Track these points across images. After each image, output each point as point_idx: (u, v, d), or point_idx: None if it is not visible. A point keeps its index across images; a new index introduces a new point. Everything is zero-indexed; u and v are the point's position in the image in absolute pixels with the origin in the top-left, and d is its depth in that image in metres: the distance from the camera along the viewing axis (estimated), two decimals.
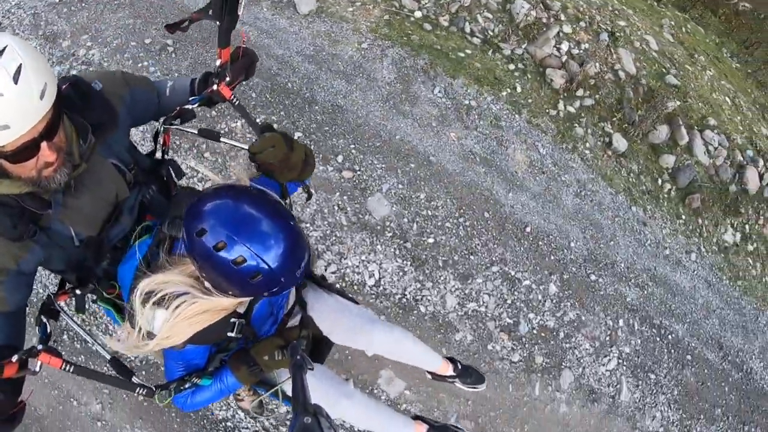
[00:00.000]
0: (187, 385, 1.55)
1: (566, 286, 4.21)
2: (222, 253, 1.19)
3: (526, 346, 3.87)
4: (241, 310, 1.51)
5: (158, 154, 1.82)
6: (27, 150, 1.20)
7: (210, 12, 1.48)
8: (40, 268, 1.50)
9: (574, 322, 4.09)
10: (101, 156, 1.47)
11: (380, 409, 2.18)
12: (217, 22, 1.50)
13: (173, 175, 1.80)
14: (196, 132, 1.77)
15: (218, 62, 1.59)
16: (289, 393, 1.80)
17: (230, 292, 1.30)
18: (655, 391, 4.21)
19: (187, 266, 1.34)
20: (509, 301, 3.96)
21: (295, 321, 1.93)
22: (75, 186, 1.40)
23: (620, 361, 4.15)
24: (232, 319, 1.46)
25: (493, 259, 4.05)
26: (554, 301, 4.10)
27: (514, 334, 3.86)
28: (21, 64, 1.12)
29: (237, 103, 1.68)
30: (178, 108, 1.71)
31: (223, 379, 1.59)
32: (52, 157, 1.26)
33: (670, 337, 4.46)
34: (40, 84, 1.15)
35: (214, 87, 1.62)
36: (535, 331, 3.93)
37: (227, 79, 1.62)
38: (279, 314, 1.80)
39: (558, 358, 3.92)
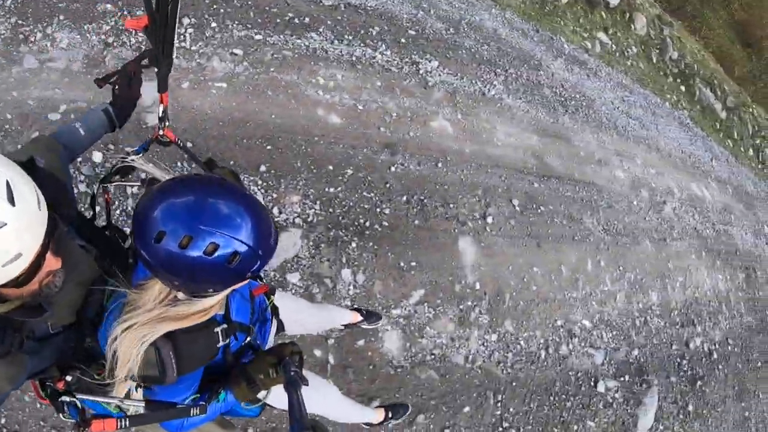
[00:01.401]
0: (215, 398, 1.52)
1: None
2: (190, 250, 1.09)
3: None
4: (221, 311, 1.46)
5: (102, 220, 1.72)
6: (34, 268, 1.12)
7: (146, 61, 1.54)
8: None
9: None
10: (67, 240, 1.35)
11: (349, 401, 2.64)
12: (155, 69, 1.54)
13: (120, 241, 1.71)
14: (139, 183, 1.66)
15: (160, 108, 1.64)
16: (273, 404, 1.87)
17: (210, 290, 1.24)
18: None
19: (152, 290, 1.27)
20: None
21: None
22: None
23: None
24: (215, 329, 1.41)
25: None
26: None
27: None
28: (7, 181, 0.99)
29: (182, 144, 1.75)
30: (117, 165, 1.65)
31: (222, 397, 1.56)
32: (58, 264, 1.19)
33: None
34: (33, 195, 1.05)
35: (161, 132, 1.68)
36: None
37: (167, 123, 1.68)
38: (263, 308, 1.82)
39: None
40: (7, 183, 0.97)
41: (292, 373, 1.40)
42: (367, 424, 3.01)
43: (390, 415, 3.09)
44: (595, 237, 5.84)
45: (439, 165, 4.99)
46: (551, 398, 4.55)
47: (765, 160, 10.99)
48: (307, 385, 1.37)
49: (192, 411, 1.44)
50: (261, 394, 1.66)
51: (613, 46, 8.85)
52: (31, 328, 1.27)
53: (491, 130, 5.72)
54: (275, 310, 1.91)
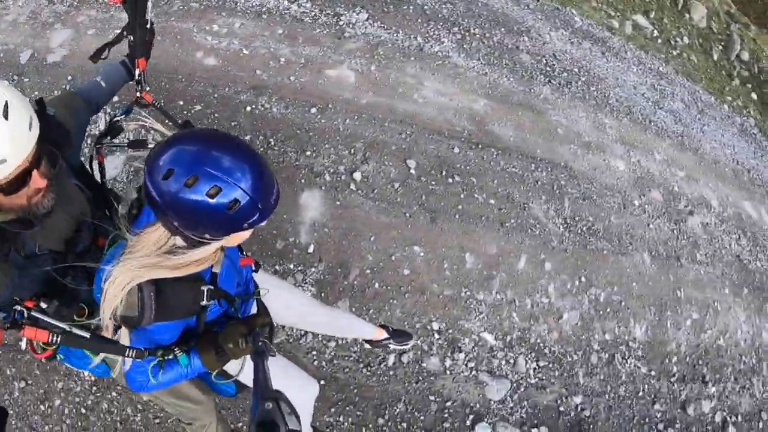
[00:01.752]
0: (170, 356, 1.48)
1: None
2: (194, 189, 1.14)
3: None
4: (217, 268, 1.46)
5: (97, 177, 1.77)
6: (20, 180, 1.24)
7: (124, 33, 1.74)
8: None
9: None
10: (64, 176, 1.52)
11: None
12: (130, 37, 1.75)
13: (113, 202, 1.76)
14: (126, 145, 1.80)
15: (137, 71, 1.80)
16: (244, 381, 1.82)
17: (207, 235, 1.25)
18: None
19: (152, 236, 1.29)
20: None
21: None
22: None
23: None
24: (202, 287, 1.41)
25: None
26: None
27: None
28: (6, 101, 1.17)
29: (159, 105, 1.93)
30: (106, 126, 1.79)
31: (188, 360, 1.52)
32: (43, 183, 1.30)
33: None
34: (27, 116, 1.21)
35: (138, 95, 1.85)
36: None
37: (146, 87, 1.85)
38: (248, 281, 1.78)
39: None
40: (6, 103, 1.16)
41: (260, 344, 1.42)
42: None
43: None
44: (544, 230, 4.25)
45: (313, 111, 4.00)
46: (382, 419, 3.11)
47: None
48: (274, 355, 1.40)
49: (128, 352, 1.38)
50: (233, 370, 1.67)
51: (655, 31, 7.10)
52: (19, 243, 1.38)
53: (414, 86, 4.52)
54: (258, 291, 1.84)
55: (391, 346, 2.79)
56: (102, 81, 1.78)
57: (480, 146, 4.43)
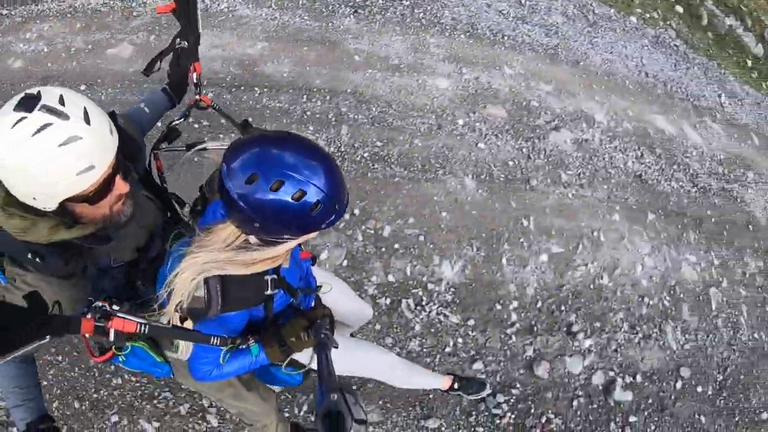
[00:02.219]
0: (244, 345, 1.49)
1: None
2: (280, 193, 1.15)
3: None
4: (286, 264, 1.45)
5: (158, 182, 1.76)
6: (104, 188, 1.22)
7: (177, 40, 1.74)
8: None
9: None
10: (137, 187, 1.49)
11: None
12: (185, 43, 1.74)
13: (177, 205, 1.79)
14: (184, 148, 1.79)
15: (194, 75, 1.80)
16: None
17: (286, 235, 1.26)
18: None
19: (222, 233, 1.28)
20: None
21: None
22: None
23: None
24: (266, 277, 1.40)
25: None
26: None
27: None
28: (85, 106, 1.14)
29: (218, 106, 1.87)
30: (164, 131, 1.78)
31: (258, 350, 1.52)
32: (126, 188, 1.27)
33: None
34: (106, 122, 1.19)
35: (197, 98, 1.83)
36: None
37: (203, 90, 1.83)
38: (308, 275, 1.77)
39: None
40: (85, 108, 1.14)
41: (323, 336, 1.43)
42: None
43: (457, 386, 2.53)
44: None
45: (83, 87, 3.88)
46: None
47: None
48: (337, 347, 1.42)
49: (212, 340, 1.37)
50: (304, 360, 1.64)
51: None
52: (95, 258, 1.40)
53: None
54: (320, 287, 1.81)
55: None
56: (145, 107, 1.76)
57: (242, 88, 3.74)
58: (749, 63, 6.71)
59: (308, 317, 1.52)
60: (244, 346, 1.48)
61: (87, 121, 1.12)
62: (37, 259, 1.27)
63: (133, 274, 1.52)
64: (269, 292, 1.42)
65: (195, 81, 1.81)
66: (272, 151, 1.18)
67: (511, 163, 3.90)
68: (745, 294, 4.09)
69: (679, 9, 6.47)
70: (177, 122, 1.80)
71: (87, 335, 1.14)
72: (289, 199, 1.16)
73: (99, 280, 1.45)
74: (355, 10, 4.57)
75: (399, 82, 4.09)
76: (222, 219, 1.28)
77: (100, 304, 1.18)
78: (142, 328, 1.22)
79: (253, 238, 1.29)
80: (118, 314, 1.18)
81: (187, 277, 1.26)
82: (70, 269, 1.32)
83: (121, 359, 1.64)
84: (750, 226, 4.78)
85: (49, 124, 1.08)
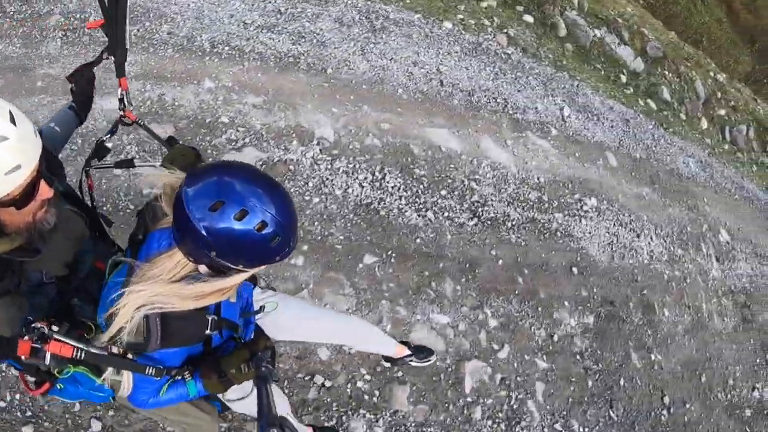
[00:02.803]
0: (179, 377, 1.46)
1: None
2: (244, 222, 1.15)
3: None
4: (233, 299, 1.50)
5: (87, 201, 1.74)
6: (29, 192, 1.22)
7: (104, 54, 1.74)
8: None
9: None
10: (60, 202, 1.48)
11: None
12: (112, 57, 1.74)
13: (104, 223, 1.76)
14: (113, 166, 1.87)
15: (119, 91, 1.79)
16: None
17: (240, 265, 1.23)
18: None
19: (167, 263, 1.27)
20: None
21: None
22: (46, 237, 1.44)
23: None
24: (207, 316, 1.38)
25: None
26: None
27: None
28: (10, 110, 1.16)
29: (142, 123, 1.91)
30: (94, 148, 1.81)
31: (194, 385, 1.48)
32: (50, 192, 1.26)
33: None
34: (30, 124, 1.20)
35: (122, 114, 1.82)
36: None
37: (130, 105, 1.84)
38: (249, 304, 1.75)
39: None
40: (10, 111, 1.15)
41: (263, 369, 1.42)
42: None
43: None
44: None
45: None
46: None
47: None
48: (278, 381, 1.51)
49: (147, 370, 1.36)
50: (243, 392, 1.63)
51: None
52: (26, 273, 1.36)
53: None
54: (262, 308, 1.78)
55: (413, 364, 2.54)
56: (56, 126, 1.76)
57: None
58: (624, 78, 5.50)
59: (250, 348, 1.49)
60: (179, 378, 1.46)
61: (13, 122, 1.15)
62: None
63: (67, 291, 1.49)
64: (209, 332, 1.39)
65: (119, 96, 1.81)
66: (236, 180, 1.19)
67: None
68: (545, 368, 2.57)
69: (529, 18, 5.38)
70: (105, 138, 1.80)
71: (23, 357, 1.19)
72: (252, 229, 1.16)
73: (33, 297, 1.40)
74: (64, 33, 3.60)
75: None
76: (167, 248, 1.27)
77: (39, 325, 1.23)
78: (79, 353, 1.27)
79: (203, 268, 1.28)
80: (55, 336, 1.23)
81: (128, 311, 1.24)
82: (4, 286, 1.29)
83: (59, 387, 1.56)
84: (574, 269, 3.27)
85: None
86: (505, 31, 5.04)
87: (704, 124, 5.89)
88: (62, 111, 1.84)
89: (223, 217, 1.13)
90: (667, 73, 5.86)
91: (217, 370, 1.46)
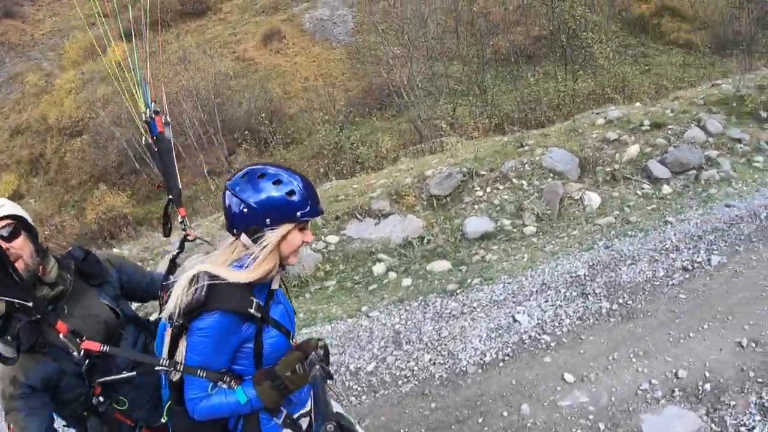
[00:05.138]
0: (223, 385, 1.54)
1: None
2: (279, 186, 1.53)
3: None
4: (275, 286, 1.65)
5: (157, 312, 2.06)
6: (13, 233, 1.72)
7: (170, 198, 2.18)
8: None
9: None
10: (95, 294, 1.93)
11: None
12: (170, 197, 2.18)
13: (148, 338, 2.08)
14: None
15: (179, 217, 2.21)
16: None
17: (268, 220, 1.52)
18: None
19: (221, 252, 1.59)
20: None
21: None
22: (68, 307, 1.82)
23: None
24: (251, 298, 1.52)
25: None
26: None
27: None
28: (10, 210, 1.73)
29: (201, 238, 2.37)
30: (168, 265, 2.14)
31: (244, 393, 1.54)
32: (25, 246, 1.72)
33: None
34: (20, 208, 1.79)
35: (185, 233, 2.20)
36: None
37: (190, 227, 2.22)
38: (291, 313, 1.78)
39: None
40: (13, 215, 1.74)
41: (318, 367, 1.45)
42: None
43: None
44: None
45: None
46: None
47: None
48: (333, 379, 1.48)
49: (200, 372, 1.49)
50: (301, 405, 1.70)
51: None
52: (52, 341, 1.70)
53: None
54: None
55: None
56: (146, 275, 2.22)
57: None
58: None
59: (303, 349, 1.55)
60: (225, 386, 1.52)
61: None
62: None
63: (104, 367, 1.80)
64: (252, 309, 1.50)
65: (180, 221, 2.21)
66: (267, 167, 1.59)
67: None
68: None
69: None
70: (174, 253, 2.18)
71: None
72: (279, 190, 1.52)
73: (61, 363, 1.73)
74: None
75: None
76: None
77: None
78: (105, 348, 1.60)
79: (245, 238, 1.52)
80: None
81: (182, 283, 1.47)
82: (29, 342, 1.64)
83: None
84: None
85: None
86: None
87: None
88: (160, 273, 2.23)
89: (266, 182, 1.53)
90: None
91: (270, 375, 1.52)
